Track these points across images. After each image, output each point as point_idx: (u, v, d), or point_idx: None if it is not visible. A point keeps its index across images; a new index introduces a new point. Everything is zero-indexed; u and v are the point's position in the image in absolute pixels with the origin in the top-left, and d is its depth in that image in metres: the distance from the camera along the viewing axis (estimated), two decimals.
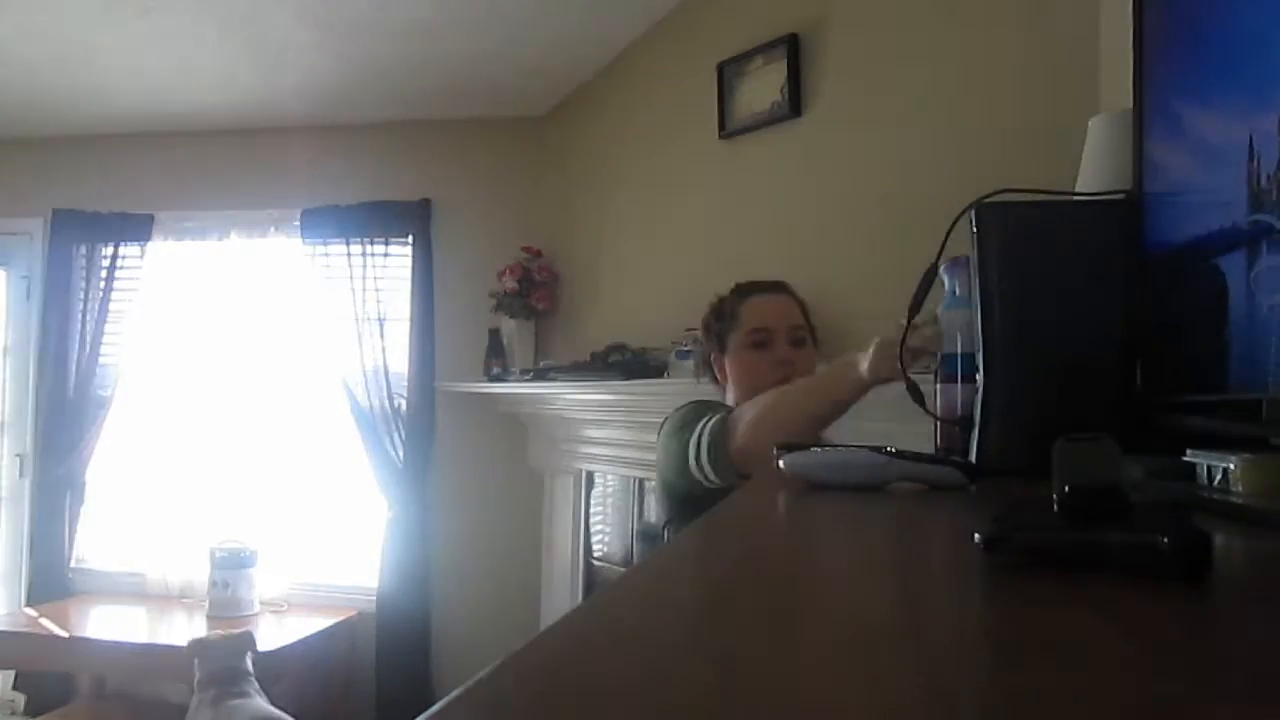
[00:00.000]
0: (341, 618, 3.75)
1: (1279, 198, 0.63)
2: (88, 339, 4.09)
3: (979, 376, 0.93)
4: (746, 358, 1.66)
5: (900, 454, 0.81)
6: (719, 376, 1.73)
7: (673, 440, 1.51)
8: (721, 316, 1.71)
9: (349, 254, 3.94)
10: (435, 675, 3.81)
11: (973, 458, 0.90)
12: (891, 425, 1.56)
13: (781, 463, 0.84)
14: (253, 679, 2.85)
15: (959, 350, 1.04)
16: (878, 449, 0.81)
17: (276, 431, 4.11)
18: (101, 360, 4.09)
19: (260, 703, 2.77)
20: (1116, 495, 0.46)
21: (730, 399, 1.68)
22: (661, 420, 1.63)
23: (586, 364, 3.07)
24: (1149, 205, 0.86)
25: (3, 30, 3.22)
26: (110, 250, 4.12)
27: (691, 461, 1.44)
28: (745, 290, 1.72)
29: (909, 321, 1.04)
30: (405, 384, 3.89)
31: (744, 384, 1.64)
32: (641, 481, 3.08)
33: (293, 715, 2.84)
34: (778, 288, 1.74)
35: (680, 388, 2.66)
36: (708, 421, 1.45)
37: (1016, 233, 0.91)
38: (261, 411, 4.11)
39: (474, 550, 3.87)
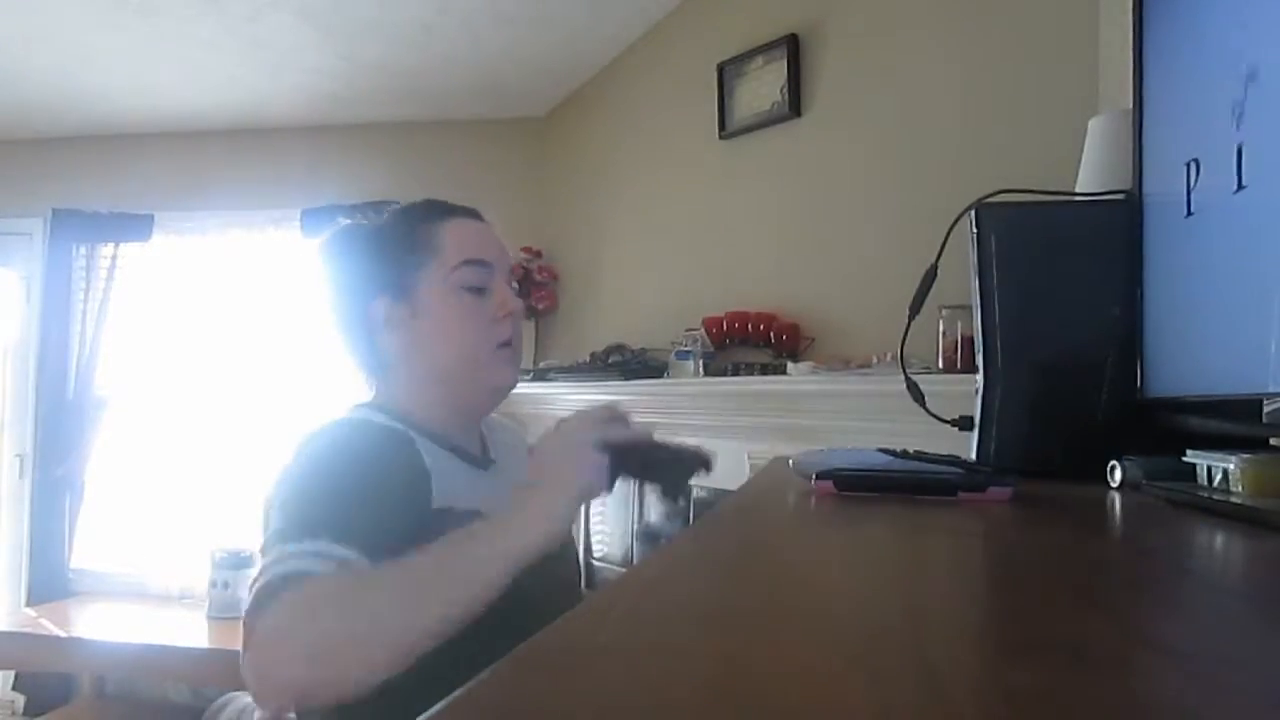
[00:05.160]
0: None
1: None
2: (88, 339, 4.09)
3: (979, 376, 0.93)
4: (455, 304, 1.05)
5: (911, 455, 0.81)
6: (382, 341, 1.07)
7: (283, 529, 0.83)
8: (399, 242, 1.07)
9: None
10: None
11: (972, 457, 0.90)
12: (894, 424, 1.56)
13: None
14: None
15: None
16: (891, 451, 0.81)
17: (277, 432, 4.10)
18: (101, 360, 4.09)
19: None
20: None
21: (406, 378, 1.07)
22: (302, 440, 0.93)
23: (586, 364, 3.08)
24: (1149, 205, 0.86)
25: (3, 31, 3.22)
26: (110, 250, 4.12)
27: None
28: (438, 209, 1.10)
29: (909, 321, 1.04)
30: None
31: (448, 346, 1.05)
32: (642, 481, 3.07)
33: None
34: (477, 214, 1.14)
35: (680, 388, 2.67)
36: (279, 564, 0.78)
37: (1016, 233, 0.91)
38: (262, 412, 4.11)
39: None
